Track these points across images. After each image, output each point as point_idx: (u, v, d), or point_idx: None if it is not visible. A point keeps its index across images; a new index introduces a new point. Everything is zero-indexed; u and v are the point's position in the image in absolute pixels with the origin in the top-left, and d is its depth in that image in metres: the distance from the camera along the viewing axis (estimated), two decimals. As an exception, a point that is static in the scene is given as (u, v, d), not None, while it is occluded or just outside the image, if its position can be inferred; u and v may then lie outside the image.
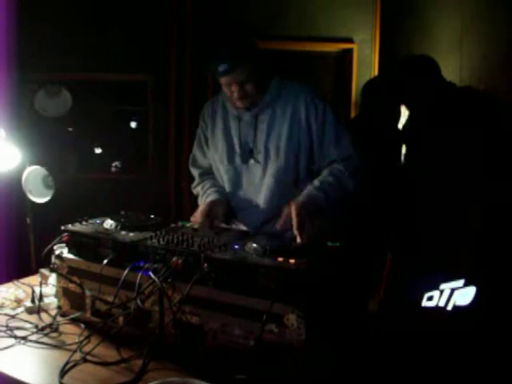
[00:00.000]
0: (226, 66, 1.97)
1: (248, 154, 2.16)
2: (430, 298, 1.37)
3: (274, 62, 2.30)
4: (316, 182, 2.06)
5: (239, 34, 2.07)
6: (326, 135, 2.10)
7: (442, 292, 1.37)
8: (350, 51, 4.85)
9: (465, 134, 2.33)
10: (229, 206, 2.22)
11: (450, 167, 2.29)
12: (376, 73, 4.84)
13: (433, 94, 2.51)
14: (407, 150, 2.60)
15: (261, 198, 2.17)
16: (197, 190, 2.36)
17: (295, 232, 1.80)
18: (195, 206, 2.27)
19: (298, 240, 1.74)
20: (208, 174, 2.36)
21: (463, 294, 1.38)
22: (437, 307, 1.37)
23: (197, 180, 2.38)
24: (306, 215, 1.87)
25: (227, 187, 2.24)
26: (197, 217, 2.09)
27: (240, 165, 2.18)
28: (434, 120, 2.47)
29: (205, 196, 2.25)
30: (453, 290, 1.37)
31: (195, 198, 2.39)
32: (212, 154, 2.29)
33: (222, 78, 2.03)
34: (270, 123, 2.13)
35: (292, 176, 2.14)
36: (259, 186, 2.16)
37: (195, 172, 2.41)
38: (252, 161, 2.16)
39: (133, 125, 5.09)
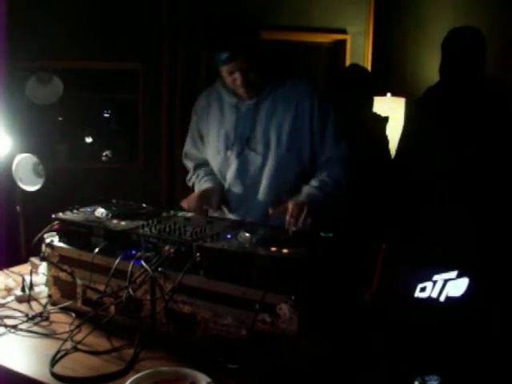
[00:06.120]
0: (228, 53, 1.92)
1: (245, 143, 2.11)
2: (423, 289, 1.37)
3: (278, 52, 2.28)
4: (315, 183, 2.06)
5: (242, 20, 2.01)
6: (328, 134, 2.08)
7: (434, 283, 1.37)
8: (343, 42, 4.85)
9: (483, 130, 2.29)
10: (222, 195, 2.19)
11: (454, 161, 2.28)
12: (369, 64, 4.84)
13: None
14: (406, 140, 2.55)
15: (259, 189, 2.12)
16: (192, 180, 2.33)
17: (288, 219, 1.81)
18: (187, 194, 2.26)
19: (289, 228, 1.75)
20: (203, 165, 2.32)
21: (456, 286, 1.38)
22: (429, 298, 1.37)
23: (191, 172, 2.35)
24: (303, 212, 1.85)
25: (222, 178, 2.21)
26: (190, 202, 2.07)
27: (236, 155, 2.12)
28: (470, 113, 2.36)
29: (199, 184, 2.23)
30: (446, 281, 1.38)
31: (187, 187, 2.37)
32: (207, 148, 2.25)
33: (223, 67, 1.98)
34: (271, 113, 2.08)
35: (294, 168, 2.09)
36: (258, 177, 2.11)
37: (190, 164, 2.37)
38: (249, 151, 2.10)
39: (123, 114, 5.05)
